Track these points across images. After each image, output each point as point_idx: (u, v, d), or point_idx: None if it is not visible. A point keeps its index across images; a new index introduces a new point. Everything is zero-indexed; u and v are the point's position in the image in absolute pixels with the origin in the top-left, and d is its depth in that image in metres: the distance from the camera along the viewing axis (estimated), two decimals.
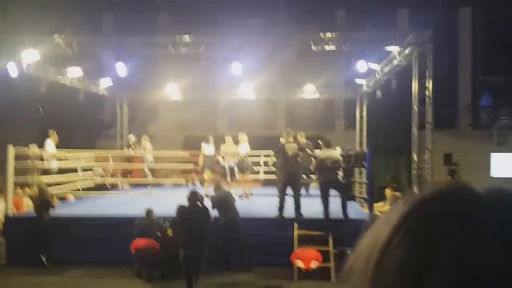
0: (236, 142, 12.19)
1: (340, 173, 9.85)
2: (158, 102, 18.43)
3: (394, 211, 0.48)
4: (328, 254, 8.45)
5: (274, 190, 11.60)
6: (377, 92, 14.80)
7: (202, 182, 14.17)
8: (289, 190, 9.30)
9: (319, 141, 9.53)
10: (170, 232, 8.02)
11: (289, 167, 9.36)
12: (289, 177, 9.32)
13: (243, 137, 12.15)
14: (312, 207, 9.48)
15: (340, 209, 9.12)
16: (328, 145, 9.27)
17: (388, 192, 10.85)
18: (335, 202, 9.13)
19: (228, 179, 11.49)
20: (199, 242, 6.64)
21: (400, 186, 12.78)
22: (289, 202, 9.27)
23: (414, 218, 0.47)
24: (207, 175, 12.59)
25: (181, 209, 6.94)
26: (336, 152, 9.38)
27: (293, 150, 9.30)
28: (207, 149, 12.35)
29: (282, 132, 10.11)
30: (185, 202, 7.19)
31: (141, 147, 14.18)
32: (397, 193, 9.87)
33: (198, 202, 7.19)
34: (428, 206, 0.47)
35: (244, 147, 12.07)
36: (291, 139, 9.61)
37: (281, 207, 9.27)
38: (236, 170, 11.86)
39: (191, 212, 6.84)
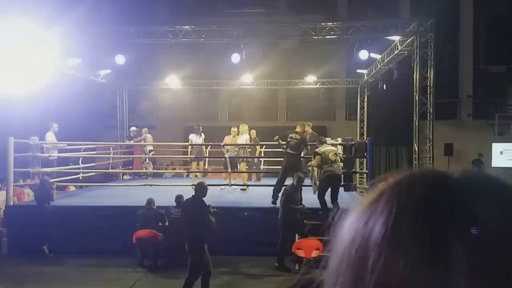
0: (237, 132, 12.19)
1: (341, 165, 9.87)
2: (159, 92, 18.39)
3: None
4: (329, 243, 8.45)
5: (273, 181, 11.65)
6: (379, 82, 14.77)
7: (188, 174, 14.14)
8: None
9: (318, 142, 9.68)
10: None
11: (287, 158, 9.45)
12: (287, 168, 9.39)
13: (244, 128, 12.11)
14: (312, 197, 9.49)
15: (329, 198, 9.07)
16: (322, 143, 9.41)
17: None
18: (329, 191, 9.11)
19: (229, 170, 11.47)
20: (197, 236, 6.59)
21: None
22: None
23: (379, 200, 0.49)
24: (193, 165, 12.56)
25: (183, 202, 6.92)
26: (333, 147, 9.46)
27: (294, 142, 9.34)
28: (195, 139, 12.25)
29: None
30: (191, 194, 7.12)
31: (142, 138, 14.18)
32: None
33: (200, 196, 7.04)
34: (389, 191, 0.49)
35: (244, 138, 12.03)
36: (298, 130, 9.66)
37: (274, 195, 9.33)
38: (236, 160, 11.84)
39: (192, 205, 6.79)
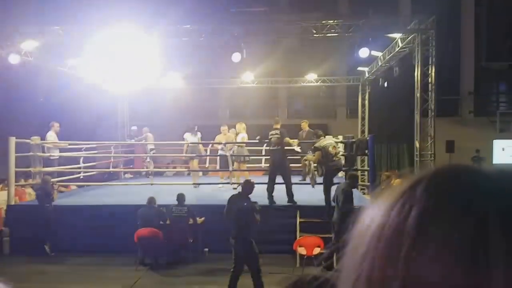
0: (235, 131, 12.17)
1: (340, 157, 9.89)
2: (160, 90, 18.36)
3: (394, 188, 0.47)
4: (330, 241, 8.46)
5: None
6: (380, 80, 14.75)
7: (189, 173, 14.09)
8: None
9: (314, 137, 9.76)
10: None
11: (272, 155, 9.60)
12: (274, 165, 9.50)
13: (241, 126, 12.08)
14: (314, 194, 9.48)
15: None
16: (319, 136, 9.49)
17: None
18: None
19: (230, 168, 11.45)
20: (243, 233, 6.64)
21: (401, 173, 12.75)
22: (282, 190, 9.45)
23: (415, 188, 0.45)
24: (191, 164, 12.54)
25: (229, 198, 6.97)
26: (331, 141, 9.48)
27: (275, 137, 9.45)
28: (191, 138, 12.22)
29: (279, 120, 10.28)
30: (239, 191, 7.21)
31: (143, 137, 14.18)
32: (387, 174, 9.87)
33: (247, 194, 7.00)
34: (428, 180, 0.45)
35: (241, 137, 11.99)
36: (278, 127, 9.69)
37: (269, 195, 9.40)
38: (233, 159, 11.81)
39: (238, 202, 6.82)
